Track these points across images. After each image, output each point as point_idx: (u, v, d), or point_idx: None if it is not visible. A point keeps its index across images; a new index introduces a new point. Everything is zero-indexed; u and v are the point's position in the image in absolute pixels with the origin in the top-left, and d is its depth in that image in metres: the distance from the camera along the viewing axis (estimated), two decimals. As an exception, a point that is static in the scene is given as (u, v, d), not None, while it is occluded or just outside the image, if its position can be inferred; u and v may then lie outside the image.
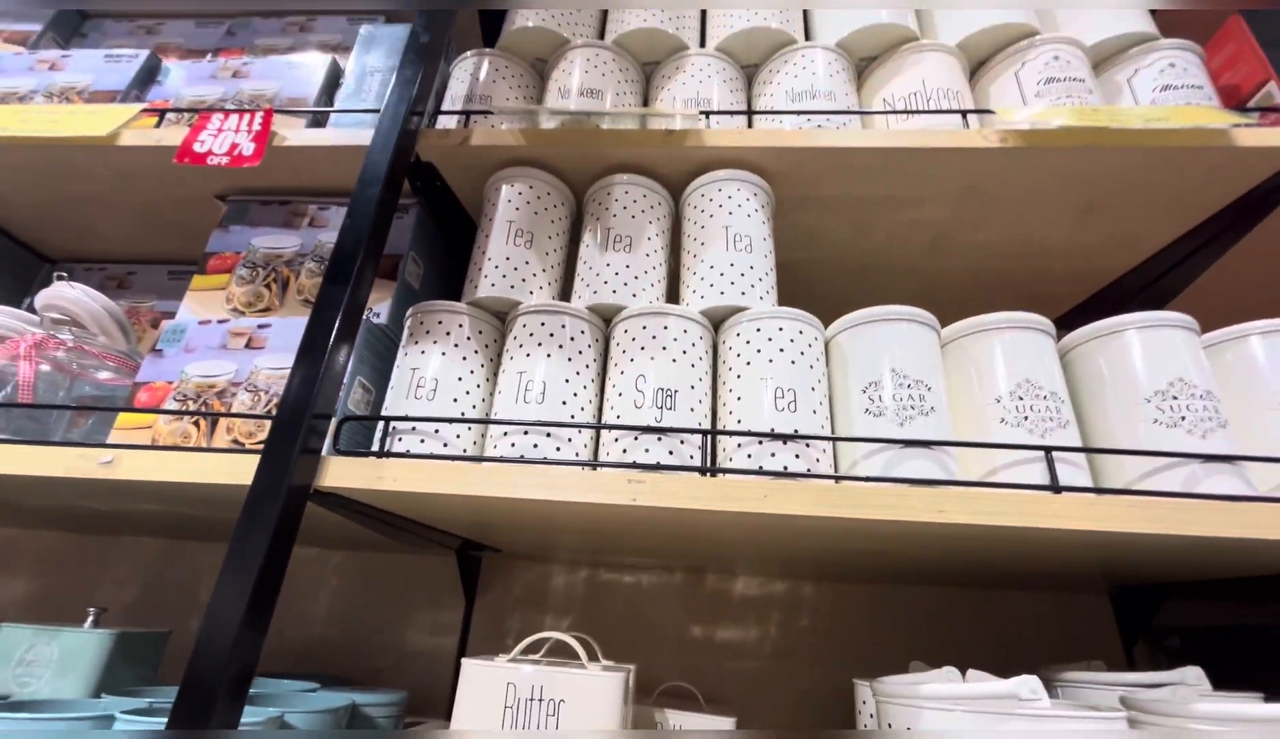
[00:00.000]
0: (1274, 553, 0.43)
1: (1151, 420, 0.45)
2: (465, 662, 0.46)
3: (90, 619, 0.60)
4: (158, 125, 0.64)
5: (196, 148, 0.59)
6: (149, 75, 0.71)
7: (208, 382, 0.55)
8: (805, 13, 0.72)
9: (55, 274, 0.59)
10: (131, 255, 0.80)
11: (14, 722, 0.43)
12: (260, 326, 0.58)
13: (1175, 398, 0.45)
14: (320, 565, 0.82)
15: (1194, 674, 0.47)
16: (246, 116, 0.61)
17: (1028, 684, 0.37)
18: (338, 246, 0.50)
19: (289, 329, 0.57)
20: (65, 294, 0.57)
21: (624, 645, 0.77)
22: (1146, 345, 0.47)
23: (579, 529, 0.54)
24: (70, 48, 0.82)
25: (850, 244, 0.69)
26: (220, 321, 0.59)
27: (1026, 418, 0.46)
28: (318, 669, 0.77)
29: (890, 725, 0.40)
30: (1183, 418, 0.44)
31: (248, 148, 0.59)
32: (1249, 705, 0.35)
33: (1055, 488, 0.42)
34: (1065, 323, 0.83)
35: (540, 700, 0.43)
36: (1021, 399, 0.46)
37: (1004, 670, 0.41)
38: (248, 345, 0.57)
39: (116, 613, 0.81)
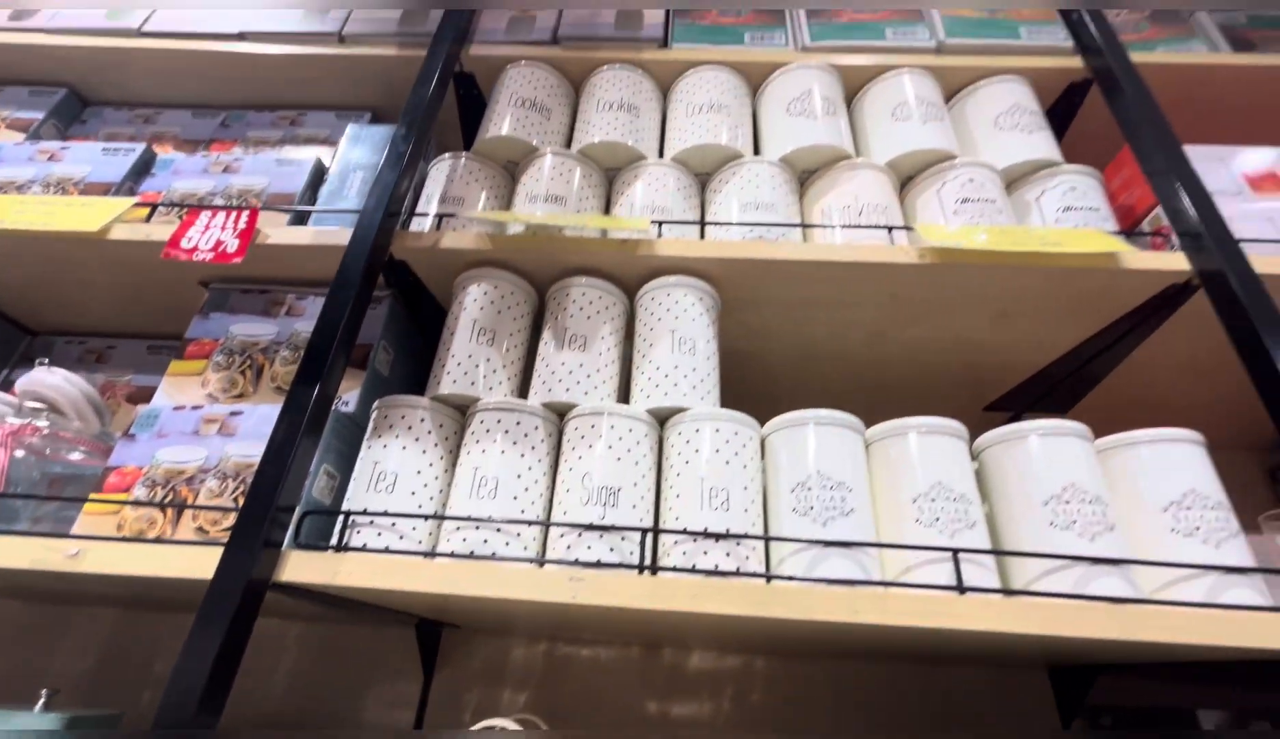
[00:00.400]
0: (1157, 653, 0.47)
1: (1048, 522, 0.50)
2: (411, 753, 0.47)
3: (42, 701, 0.60)
4: (148, 219, 0.69)
5: (184, 244, 0.64)
6: (144, 167, 0.76)
7: (177, 468, 0.58)
8: (755, 128, 0.79)
9: (37, 360, 0.62)
10: (113, 329, 0.83)
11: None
12: (232, 413, 0.61)
13: (1068, 502, 0.50)
14: (279, 637, 0.83)
15: (1104, 761, 0.50)
16: (233, 215, 0.66)
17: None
18: (310, 346, 0.54)
19: (260, 417, 0.60)
20: (45, 380, 0.60)
21: (581, 719, 0.78)
22: (1044, 451, 0.52)
23: (530, 616, 0.57)
24: (71, 133, 0.87)
25: (794, 337, 0.75)
26: (194, 407, 0.62)
27: (938, 519, 0.50)
28: (271, 746, 0.77)
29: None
30: (1074, 521, 0.49)
31: (232, 245, 0.64)
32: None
33: (960, 589, 0.46)
34: (1002, 404, 0.90)
35: (480, 794, 0.45)
36: (934, 500, 0.51)
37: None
38: (219, 431, 0.60)
39: (71, 684, 0.80)
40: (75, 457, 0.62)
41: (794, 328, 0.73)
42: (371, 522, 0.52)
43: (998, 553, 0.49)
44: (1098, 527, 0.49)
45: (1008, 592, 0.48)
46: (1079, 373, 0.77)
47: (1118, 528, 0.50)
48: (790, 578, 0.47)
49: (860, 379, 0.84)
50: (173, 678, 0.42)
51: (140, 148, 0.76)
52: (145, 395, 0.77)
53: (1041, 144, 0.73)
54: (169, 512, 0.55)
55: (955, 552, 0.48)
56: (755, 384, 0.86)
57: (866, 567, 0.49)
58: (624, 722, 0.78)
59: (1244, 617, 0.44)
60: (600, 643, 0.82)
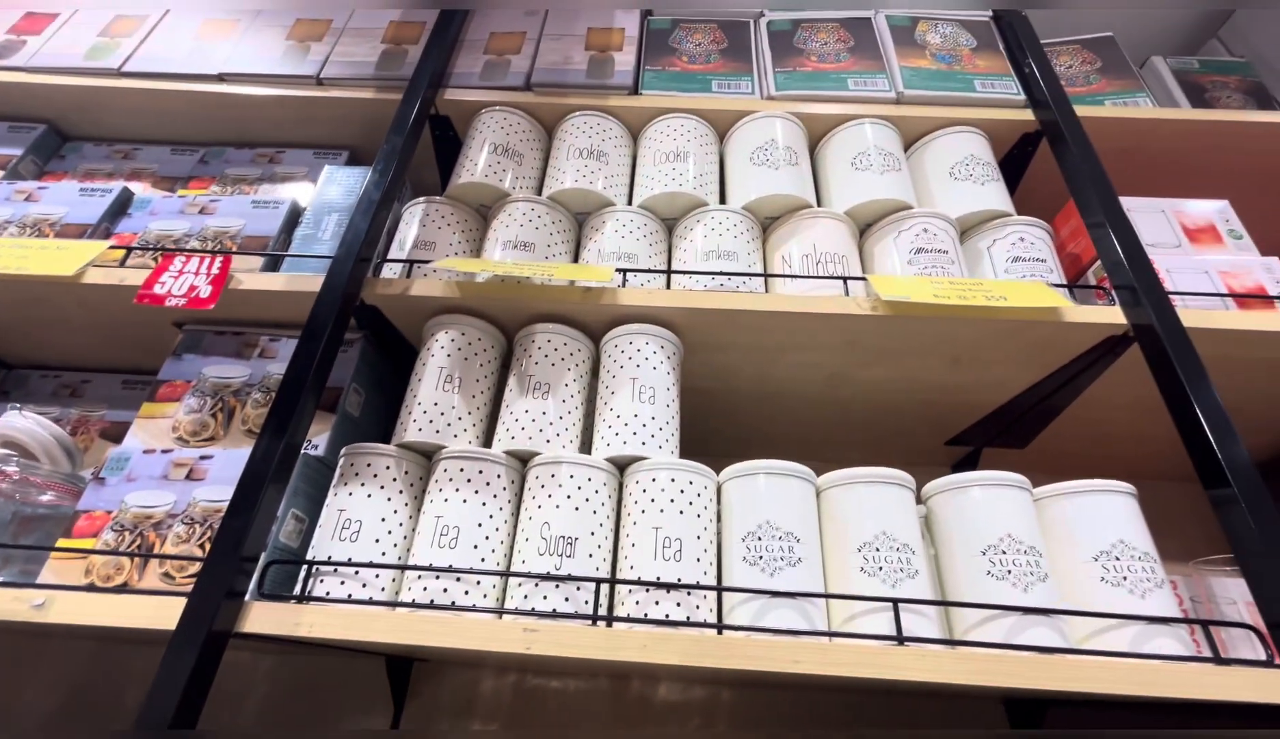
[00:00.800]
0: (1094, 695, 0.50)
1: (985, 572, 0.52)
2: (369, 799, 0.49)
3: (6, 742, 0.61)
4: (123, 262, 0.70)
5: (157, 289, 0.65)
6: (120, 208, 0.77)
7: (145, 512, 0.59)
8: (721, 172, 0.82)
9: (10, 406, 0.62)
10: (87, 364, 0.84)
11: None
12: (202, 457, 0.62)
13: (1004, 552, 0.52)
14: (249, 670, 0.83)
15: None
16: (206, 260, 0.67)
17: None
18: (279, 396, 0.56)
19: (230, 461, 0.61)
20: (16, 425, 0.61)
21: (551, 750, 0.79)
22: (984, 502, 0.55)
23: (493, 658, 0.58)
24: (50, 168, 0.88)
25: (758, 376, 0.77)
26: (164, 451, 0.63)
27: (881, 568, 0.52)
28: (239, 782, 0.77)
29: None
30: (1009, 571, 0.51)
31: (205, 291, 0.65)
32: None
33: (899, 639, 0.48)
34: (964, 438, 0.93)
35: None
36: (878, 550, 0.53)
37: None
38: (188, 476, 0.61)
39: (42, 716, 0.80)
40: (46, 499, 0.63)
41: (757, 369, 0.75)
42: (335, 570, 0.53)
43: (934, 603, 0.52)
44: (1031, 577, 0.51)
45: (946, 642, 0.50)
46: (1036, 409, 0.80)
47: (1050, 577, 0.52)
48: (738, 627, 0.49)
49: (824, 416, 0.86)
50: (139, 720, 0.43)
51: (117, 188, 0.78)
52: (119, 431, 0.78)
53: (993, 195, 0.76)
54: (135, 558, 0.56)
55: (895, 602, 0.50)
56: (721, 421, 0.88)
57: (812, 616, 0.51)
58: (592, 753, 0.79)
59: (1163, 666, 0.46)
60: (569, 673, 0.83)
